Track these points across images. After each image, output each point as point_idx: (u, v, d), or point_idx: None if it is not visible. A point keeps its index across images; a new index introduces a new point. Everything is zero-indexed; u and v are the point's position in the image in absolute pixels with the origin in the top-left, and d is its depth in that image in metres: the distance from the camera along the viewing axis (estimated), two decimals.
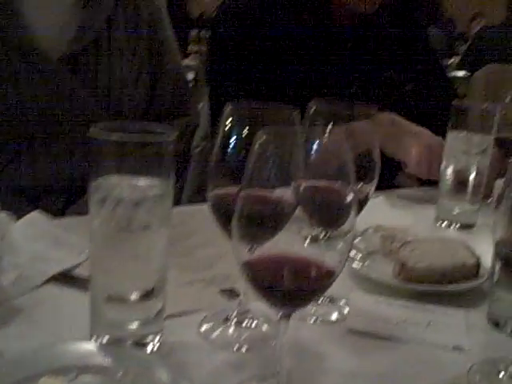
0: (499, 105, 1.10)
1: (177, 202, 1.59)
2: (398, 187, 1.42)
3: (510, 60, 4.78)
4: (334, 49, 1.42)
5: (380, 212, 1.08)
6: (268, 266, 0.54)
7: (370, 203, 0.89)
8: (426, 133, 1.28)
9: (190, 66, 2.65)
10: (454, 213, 1.14)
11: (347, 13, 1.43)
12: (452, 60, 5.03)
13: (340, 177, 0.63)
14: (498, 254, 0.62)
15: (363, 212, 0.85)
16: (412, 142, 1.25)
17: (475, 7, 8.34)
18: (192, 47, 3.63)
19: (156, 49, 1.35)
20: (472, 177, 1.11)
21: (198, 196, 1.77)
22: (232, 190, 0.66)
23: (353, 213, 0.64)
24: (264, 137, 0.52)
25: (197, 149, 2.01)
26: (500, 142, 1.23)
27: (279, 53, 1.38)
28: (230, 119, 0.63)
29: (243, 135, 0.61)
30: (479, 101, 4.65)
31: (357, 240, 0.95)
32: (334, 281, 0.56)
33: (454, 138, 1.11)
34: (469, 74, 4.10)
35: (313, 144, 0.69)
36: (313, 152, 0.66)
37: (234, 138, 0.62)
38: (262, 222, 0.64)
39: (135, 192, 0.60)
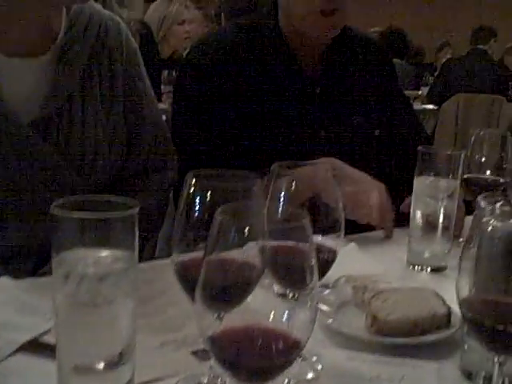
0: (463, 150, 1.12)
1: (150, 256, 1.57)
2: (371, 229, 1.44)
3: (476, 89, 4.88)
4: (302, 98, 1.43)
5: (351, 260, 1.08)
6: (232, 341, 0.53)
7: (341, 252, 0.89)
8: (366, 179, 1.27)
9: (163, 109, 2.66)
10: (425, 256, 1.14)
11: (312, 53, 1.44)
12: (420, 92, 5.12)
13: (302, 238, 0.63)
14: (463, 315, 0.63)
15: (334, 263, 0.85)
16: (349, 188, 1.20)
17: (442, 37, 8.54)
18: (165, 87, 3.65)
19: (133, 103, 1.29)
20: (440, 220, 1.13)
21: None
22: (196, 256, 0.66)
23: (315, 274, 0.65)
24: (224, 215, 0.52)
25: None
26: (467, 183, 1.25)
27: (245, 108, 1.38)
28: (193, 189, 0.63)
29: (205, 205, 0.61)
30: (449, 133, 4.74)
31: (327, 292, 0.95)
32: (301, 350, 0.56)
33: (421, 183, 1.12)
34: (436, 107, 4.17)
35: (277, 207, 0.69)
36: (276, 214, 0.67)
37: (197, 207, 0.62)
38: (228, 288, 0.64)
39: (99, 266, 0.60)
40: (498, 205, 0.76)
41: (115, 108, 1.25)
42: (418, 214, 1.14)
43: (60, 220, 0.57)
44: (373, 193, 1.24)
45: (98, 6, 1.31)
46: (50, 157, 1.16)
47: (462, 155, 1.13)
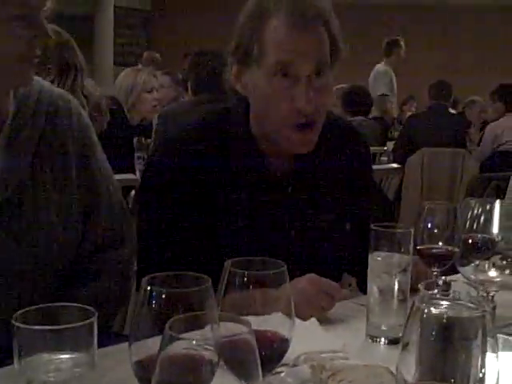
0: (411, 229, 1.19)
1: (118, 333, 1.57)
2: None
3: (440, 143, 5.03)
4: (273, 199, 1.39)
5: (312, 336, 1.12)
6: None
7: (301, 327, 0.93)
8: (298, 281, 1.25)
9: (130, 181, 2.70)
10: (382, 329, 1.19)
11: (284, 155, 1.39)
12: (386, 148, 5.25)
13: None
14: None
15: (294, 339, 0.89)
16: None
17: (406, 91, 8.79)
18: (137, 154, 3.70)
19: (87, 182, 1.28)
20: (395, 294, 1.18)
21: None
22: (153, 353, 0.69)
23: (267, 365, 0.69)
24: (174, 327, 0.56)
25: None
26: (421, 254, 1.31)
27: (213, 211, 1.35)
28: (148, 294, 0.67)
29: (159, 309, 0.65)
30: (414, 185, 4.85)
31: (285, 372, 0.98)
32: None
33: (375, 259, 1.18)
34: (400, 165, 4.29)
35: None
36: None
37: (149, 312, 0.66)
38: None
39: (60, 372, 0.63)
40: (436, 291, 0.81)
41: (68, 189, 1.24)
42: (374, 288, 1.19)
43: (20, 331, 0.61)
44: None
45: (47, 85, 1.29)
46: (3, 244, 1.14)
47: (412, 231, 1.19)
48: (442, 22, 11.15)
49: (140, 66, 5.03)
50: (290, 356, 1.01)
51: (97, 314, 0.63)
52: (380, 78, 6.99)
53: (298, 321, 1.03)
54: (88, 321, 0.61)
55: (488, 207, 1.19)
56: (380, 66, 7.07)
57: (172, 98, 4.49)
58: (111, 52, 10.17)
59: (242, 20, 1.32)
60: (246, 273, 0.74)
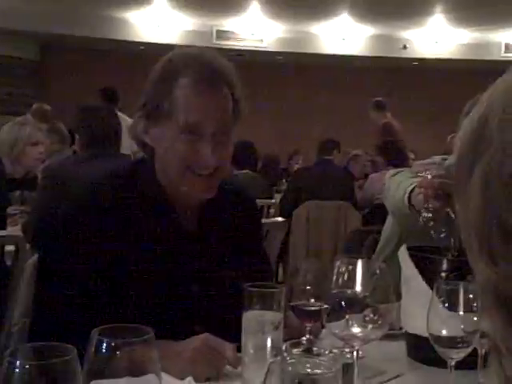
0: (283, 287, 1.25)
1: None
2: None
3: (325, 197, 5.25)
4: (178, 253, 1.45)
5: None
6: None
7: None
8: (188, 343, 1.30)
9: (11, 237, 2.63)
10: None
11: (190, 205, 1.46)
12: (274, 200, 5.40)
13: None
14: None
15: None
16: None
17: (293, 146, 9.14)
18: (15, 208, 3.59)
19: None
20: (269, 351, 1.23)
21: None
22: None
23: None
24: None
25: (16, 326, 1.95)
26: (294, 310, 1.38)
27: (117, 269, 1.38)
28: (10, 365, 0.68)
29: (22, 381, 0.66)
30: (301, 237, 5.01)
31: None
32: None
33: (248, 318, 1.23)
34: (287, 218, 4.43)
35: None
36: None
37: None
38: None
39: None
40: (296, 350, 0.87)
41: None
42: (248, 346, 1.23)
43: None
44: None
45: None
46: None
47: (284, 289, 1.25)
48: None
49: (28, 116, 4.92)
50: None
51: None
52: None
53: (171, 379, 1.06)
54: None
55: (351, 267, 1.27)
56: None
57: (56, 151, 4.41)
58: None
59: (152, 79, 1.40)
60: (113, 340, 0.76)
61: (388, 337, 1.59)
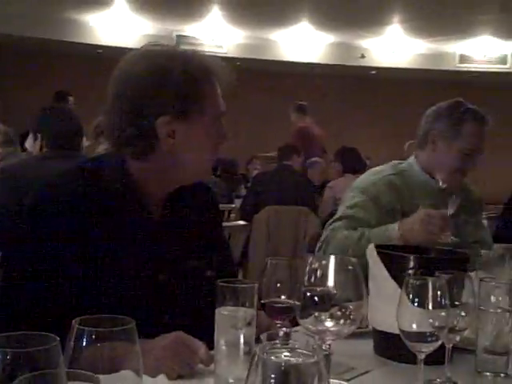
0: (256, 284, 1.25)
1: None
2: None
3: (285, 202, 5.28)
4: (144, 242, 1.49)
5: None
6: None
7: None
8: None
9: None
10: (230, 381, 1.23)
11: (159, 197, 1.52)
12: (234, 205, 5.40)
13: None
14: None
15: None
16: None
17: (251, 151, 9.16)
18: None
19: None
20: (241, 347, 1.23)
21: None
22: None
23: None
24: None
25: None
26: (265, 307, 1.38)
27: (92, 251, 1.41)
28: None
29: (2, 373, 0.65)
30: (261, 241, 5.03)
31: None
32: None
33: (221, 314, 1.22)
34: (247, 223, 4.44)
35: None
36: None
37: None
38: None
39: None
40: (279, 341, 0.87)
41: None
42: (221, 342, 1.23)
43: None
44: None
45: None
46: None
47: (256, 286, 1.26)
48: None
49: None
50: None
51: None
52: None
53: (145, 377, 1.05)
54: None
55: (324, 262, 1.28)
56: None
57: (9, 153, 4.31)
58: None
59: (182, 83, 1.47)
60: (94, 330, 0.75)
61: (355, 335, 1.61)
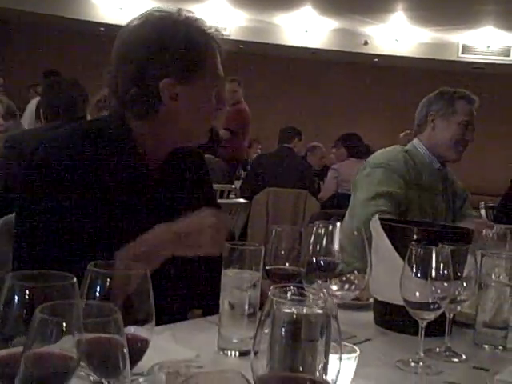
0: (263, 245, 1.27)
1: None
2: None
3: (284, 184, 5.29)
4: (143, 198, 1.54)
5: (164, 349, 1.14)
6: None
7: (153, 340, 0.96)
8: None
9: None
10: (234, 341, 1.25)
11: (159, 155, 1.59)
12: (234, 186, 5.41)
13: (114, 330, 0.71)
14: None
15: (148, 351, 0.92)
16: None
17: (252, 134, 9.14)
18: None
19: None
20: (246, 308, 1.24)
21: None
22: (14, 352, 0.69)
23: (127, 363, 0.72)
24: (42, 313, 0.57)
25: None
26: (269, 273, 1.39)
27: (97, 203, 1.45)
28: (11, 290, 0.67)
29: (24, 304, 0.66)
30: (260, 223, 5.04)
31: (142, 379, 1.00)
32: None
33: (228, 275, 1.24)
34: (248, 201, 4.45)
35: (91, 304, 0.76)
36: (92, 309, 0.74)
37: (15, 307, 0.67)
38: (46, 380, 0.68)
39: None
40: (289, 294, 0.88)
41: None
42: (226, 302, 1.25)
43: None
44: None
45: None
46: None
47: (263, 250, 1.27)
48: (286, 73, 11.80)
49: None
50: (144, 366, 1.04)
51: None
52: None
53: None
54: None
55: (330, 228, 1.30)
56: None
57: (11, 125, 4.32)
58: None
59: (185, 47, 1.51)
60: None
61: (355, 306, 1.64)
